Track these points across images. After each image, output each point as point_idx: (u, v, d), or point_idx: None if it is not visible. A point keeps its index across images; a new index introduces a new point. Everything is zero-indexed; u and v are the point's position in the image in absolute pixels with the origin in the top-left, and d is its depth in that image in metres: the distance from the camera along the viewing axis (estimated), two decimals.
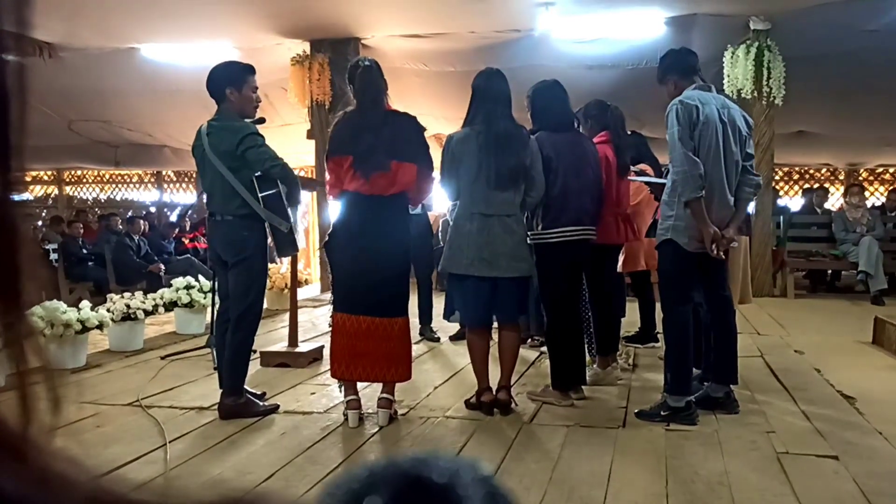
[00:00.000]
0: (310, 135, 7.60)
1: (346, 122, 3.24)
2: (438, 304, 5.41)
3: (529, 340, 4.94)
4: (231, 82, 3.40)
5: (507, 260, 3.31)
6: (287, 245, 3.46)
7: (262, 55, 7.03)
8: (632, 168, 3.97)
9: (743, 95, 6.81)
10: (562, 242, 3.53)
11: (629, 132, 4.54)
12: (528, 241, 3.51)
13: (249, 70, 3.47)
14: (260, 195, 3.34)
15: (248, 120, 3.45)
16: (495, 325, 3.51)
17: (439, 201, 5.37)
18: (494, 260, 3.29)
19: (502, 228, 3.31)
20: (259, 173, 3.35)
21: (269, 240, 3.48)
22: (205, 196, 3.59)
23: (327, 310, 3.94)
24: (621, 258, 4.67)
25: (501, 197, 3.32)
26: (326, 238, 3.40)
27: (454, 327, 5.12)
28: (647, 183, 3.87)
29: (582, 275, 3.87)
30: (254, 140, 3.31)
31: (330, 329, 3.44)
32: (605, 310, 4.08)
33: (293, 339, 4.62)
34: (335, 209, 3.41)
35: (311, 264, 9.30)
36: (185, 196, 13.82)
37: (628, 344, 4.95)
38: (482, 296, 3.34)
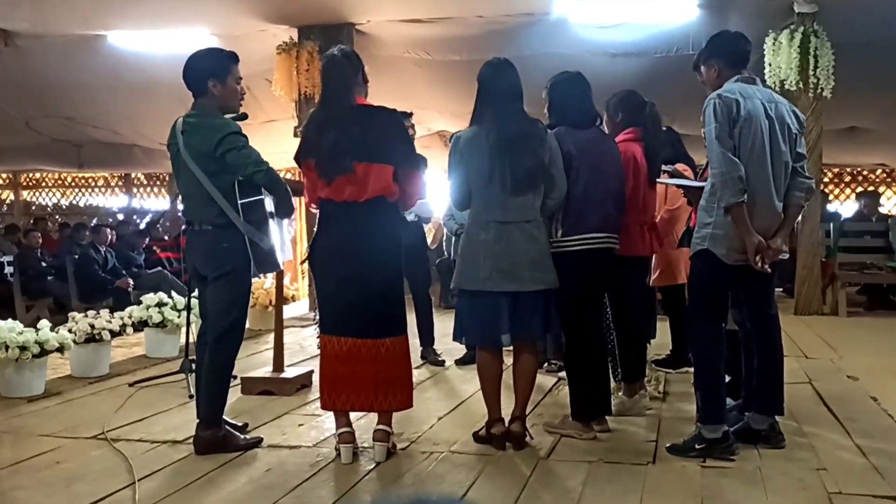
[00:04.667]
0: (297, 133, 7.64)
1: (311, 121, 3.29)
2: (441, 322, 5.46)
3: (546, 365, 4.92)
4: (214, 73, 3.40)
5: (529, 271, 3.32)
6: (265, 261, 3.45)
7: (244, 43, 7.07)
8: (664, 168, 3.96)
9: (787, 87, 6.80)
10: (583, 251, 3.53)
11: (663, 128, 4.53)
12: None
13: (233, 58, 3.48)
14: (240, 202, 3.35)
15: (229, 116, 3.46)
16: (508, 347, 3.50)
17: (438, 209, 5.37)
18: (515, 271, 3.30)
19: (522, 236, 3.33)
20: (241, 178, 3.35)
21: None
22: (180, 202, 3.60)
23: (314, 330, 3.96)
24: (656, 270, 4.66)
25: (519, 201, 3.33)
26: (308, 251, 3.42)
27: (460, 349, 5.11)
28: (680, 186, 3.85)
29: (605, 289, 3.86)
30: (235, 141, 3.31)
31: (318, 352, 3.44)
32: (632, 330, 4.07)
33: (279, 364, 4.62)
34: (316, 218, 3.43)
35: (298, 279, 9.33)
36: (157, 202, 13.89)
37: (658, 368, 4.94)
38: (500, 312, 3.34)
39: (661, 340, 5.06)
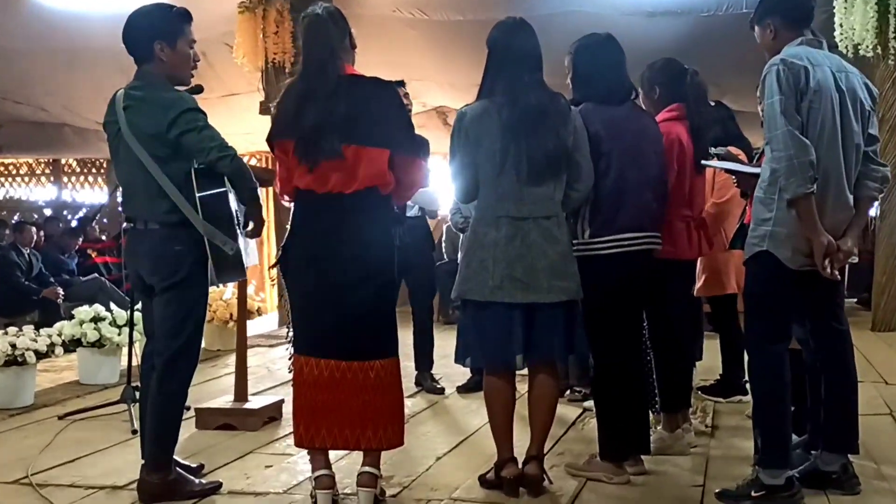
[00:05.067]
0: (264, 108, 7.62)
1: (287, 95, 3.28)
2: (440, 340, 5.46)
3: (568, 392, 4.94)
4: (161, 34, 3.40)
5: (548, 278, 3.32)
6: (229, 268, 3.44)
7: (198, 1, 7.05)
8: (712, 151, 3.96)
9: (861, 53, 6.81)
10: (616, 254, 3.53)
11: (712, 103, 4.55)
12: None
13: (185, 17, 3.48)
14: (199, 196, 3.34)
15: (181, 88, 3.45)
16: (523, 371, 3.50)
17: (445, 202, 5.38)
18: (532, 279, 3.30)
19: (541, 235, 3.33)
20: (200, 165, 3.34)
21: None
22: (120, 194, 3.59)
23: (286, 350, 3.95)
24: (701, 277, 4.67)
25: (537, 193, 3.33)
26: (279, 253, 3.40)
27: (464, 374, 5.11)
28: (730, 172, 3.85)
29: (642, 300, 3.86)
30: (193, 120, 3.31)
31: (290, 376, 3.44)
32: (674, 350, 4.08)
33: (241, 392, 4.63)
34: (290, 213, 3.43)
35: (265, 287, 9.30)
36: (93, 194, 13.87)
37: (706, 397, 4.95)
38: (512, 328, 3.34)
39: (709, 363, 5.07)
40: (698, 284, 4.77)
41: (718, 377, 5.07)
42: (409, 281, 5.30)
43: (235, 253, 3.40)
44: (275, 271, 3.53)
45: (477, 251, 3.36)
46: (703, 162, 3.96)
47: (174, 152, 3.32)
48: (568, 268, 3.37)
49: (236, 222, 3.45)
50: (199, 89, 3.63)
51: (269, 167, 7.88)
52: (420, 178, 3.42)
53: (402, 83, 4.99)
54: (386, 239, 3.31)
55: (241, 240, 3.47)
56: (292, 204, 3.35)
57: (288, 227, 3.42)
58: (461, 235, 4.55)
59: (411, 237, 4.91)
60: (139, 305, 3.88)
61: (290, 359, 3.48)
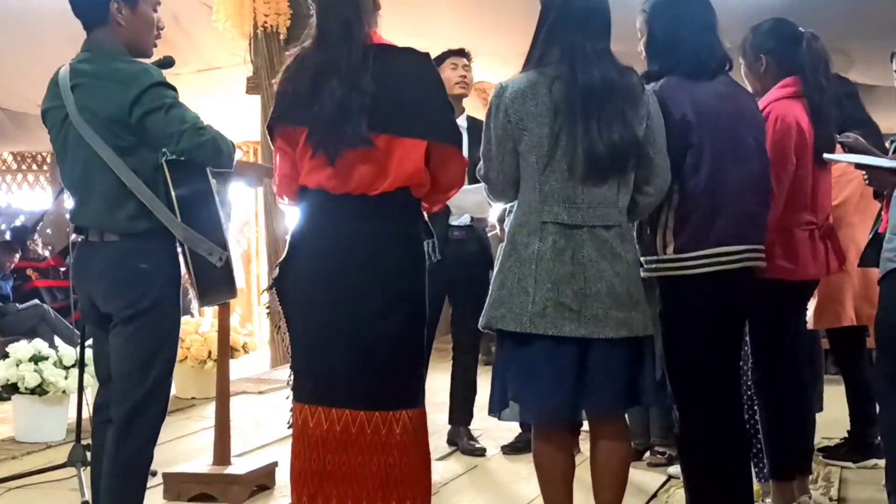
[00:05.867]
0: (252, 86, 7.66)
1: (300, 69, 3.28)
2: (479, 387, 5.43)
3: (648, 454, 4.92)
4: None
5: (607, 307, 3.29)
6: (216, 285, 3.49)
7: None
8: (839, 139, 3.94)
9: None
10: (712, 275, 3.51)
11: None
12: (646, 274, 3.49)
13: None
14: (175, 194, 3.36)
15: (144, 60, 3.48)
16: (584, 424, 3.50)
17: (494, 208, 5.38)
18: (585, 306, 3.28)
19: (597, 249, 3.30)
20: (172, 155, 3.37)
21: (185, 274, 3.50)
22: (68, 197, 3.63)
23: (282, 399, 3.94)
24: (812, 304, 4.64)
25: (595, 194, 3.31)
26: (276, 273, 3.41)
27: (509, 430, 5.10)
28: (862, 167, 3.82)
29: (743, 335, 3.84)
30: (160, 96, 3.32)
31: (289, 432, 3.43)
32: (787, 399, 4.05)
33: (223, 452, 4.63)
34: (292, 220, 3.45)
35: (252, 317, 9.31)
36: (34, 196, 13.97)
37: (830, 461, 4.91)
38: (563, 371, 3.32)
39: (834, 415, 5.05)
40: (810, 314, 4.74)
41: (846, 435, 5.02)
42: (453, 307, 5.40)
43: (225, 264, 3.43)
44: (266, 296, 3.53)
45: (514, 267, 3.32)
46: (825, 156, 3.94)
47: (140, 140, 3.36)
48: (633, 294, 3.33)
49: (225, 227, 3.49)
50: (169, 62, 3.67)
51: (258, 161, 7.92)
52: (461, 177, 3.44)
53: (462, 53, 5.24)
54: (418, 256, 3.34)
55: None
56: (294, 208, 3.37)
57: (287, 238, 3.43)
58: None
59: (455, 253, 4.98)
60: (91, 340, 3.85)
61: (290, 410, 3.46)
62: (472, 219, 5.26)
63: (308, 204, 3.29)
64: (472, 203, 5.02)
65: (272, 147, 3.38)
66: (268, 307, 3.60)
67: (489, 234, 5.68)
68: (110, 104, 3.34)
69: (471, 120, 5.33)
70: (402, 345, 3.29)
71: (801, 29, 4.09)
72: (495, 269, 3.42)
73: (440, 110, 3.31)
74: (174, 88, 3.39)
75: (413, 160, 3.21)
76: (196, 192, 3.42)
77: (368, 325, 3.22)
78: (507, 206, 3.50)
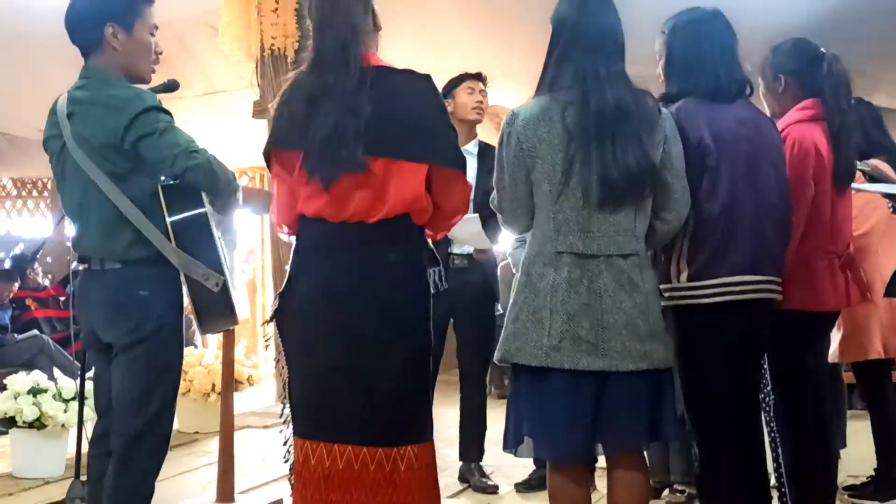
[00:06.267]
0: (259, 110, 7.67)
1: (296, 92, 3.30)
2: (496, 422, 5.38)
3: (667, 492, 4.89)
4: (114, 15, 3.46)
5: (625, 339, 3.26)
6: (215, 310, 3.49)
7: None
8: (859, 166, 3.91)
9: None
10: (726, 304, 3.49)
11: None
12: (664, 302, 3.46)
13: None
14: (170, 221, 3.37)
15: (141, 86, 3.50)
16: (600, 460, 3.48)
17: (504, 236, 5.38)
18: (602, 339, 3.24)
19: (615, 279, 3.27)
20: (167, 180, 3.37)
21: (187, 303, 3.50)
22: (68, 225, 3.62)
23: (284, 434, 3.94)
24: (836, 337, 4.61)
25: (612, 222, 3.29)
26: (276, 303, 3.41)
27: (523, 467, 5.06)
28: (888, 196, 3.79)
29: (761, 368, 3.83)
30: (153, 121, 3.33)
31: (290, 471, 3.42)
32: (809, 435, 4.01)
33: (226, 489, 4.60)
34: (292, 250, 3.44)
35: (258, 348, 9.28)
36: (34, 223, 14.02)
37: (855, 500, 4.88)
38: (580, 406, 3.29)
39: (859, 452, 5.01)
40: (833, 346, 4.72)
41: (872, 473, 4.97)
42: (459, 340, 5.39)
43: (223, 289, 3.44)
44: (270, 327, 3.51)
45: (529, 299, 3.31)
46: (854, 186, 3.90)
47: (135, 166, 3.38)
48: (652, 325, 3.32)
49: (221, 253, 3.49)
50: (173, 86, 3.75)
51: (266, 188, 7.92)
52: (465, 203, 3.43)
53: (479, 77, 5.30)
54: (420, 285, 3.32)
55: (228, 275, 3.52)
56: (293, 238, 3.35)
57: (287, 268, 3.42)
58: None
59: (459, 282, 5.00)
60: (92, 371, 3.90)
61: (288, 444, 3.47)
62: (475, 249, 5.25)
63: (305, 233, 3.29)
64: (469, 233, 5.00)
65: (269, 174, 3.39)
66: (266, 339, 3.59)
67: (501, 263, 5.67)
68: (104, 131, 3.36)
69: (483, 145, 5.38)
70: (405, 377, 3.27)
71: (822, 49, 4.08)
72: (510, 300, 3.41)
73: (441, 133, 3.29)
74: (168, 113, 3.42)
75: (412, 185, 3.20)
76: (191, 218, 3.43)
77: (369, 357, 3.22)
78: (516, 239, 3.49)
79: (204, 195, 3.44)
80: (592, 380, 3.26)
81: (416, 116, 3.23)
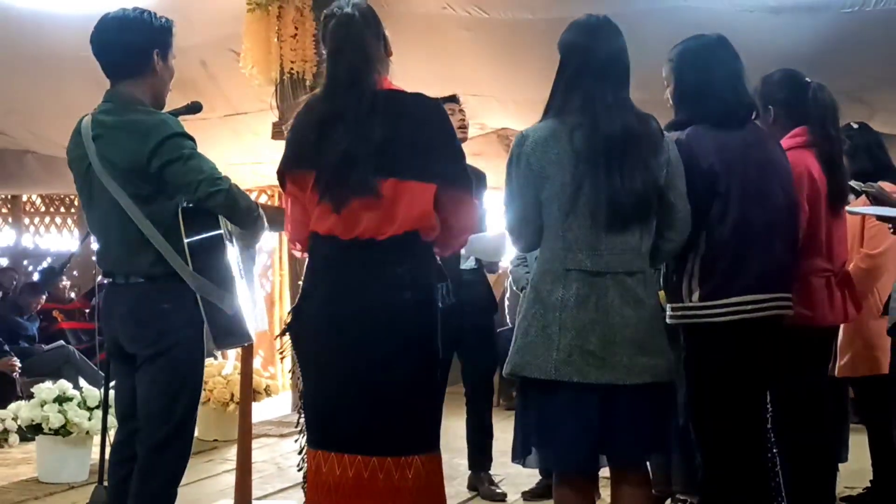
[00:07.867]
0: (278, 131, 7.63)
1: (308, 114, 3.33)
2: (503, 432, 5.38)
3: (669, 502, 4.90)
4: (160, 43, 3.53)
5: (630, 353, 3.29)
6: (227, 334, 3.52)
7: None
8: (858, 187, 3.93)
9: None
10: (736, 323, 3.52)
11: (854, 125, 4.57)
12: (672, 320, 3.50)
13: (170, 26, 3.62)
14: (188, 241, 3.41)
15: (165, 111, 3.56)
16: (604, 471, 3.48)
17: (507, 253, 5.41)
18: (608, 353, 3.28)
19: (621, 296, 3.31)
20: (186, 203, 3.42)
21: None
22: (94, 242, 3.67)
23: (299, 443, 3.96)
24: (845, 352, 4.68)
25: (618, 241, 3.32)
26: (289, 318, 3.44)
27: (531, 476, 5.09)
28: (884, 219, 3.82)
29: (767, 384, 3.83)
30: (178, 147, 3.39)
31: (304, 478, 3.47)
32: (809, 447, 4.02)
33: (244, 495, 4.63)
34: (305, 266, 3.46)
35: (275, 361, 9.27)
36: (61, 239, 14.02)
37: None
38: (586, 418, 3.31)
39: (857, 465, 5.04)
40: (841, 361, 4.74)
41: (869, 484, 4.98)
42: (462, 353, 5.34)
43: (235, 311, 3.48)
44: (285, 340, 3.55)
45: (538, 314, 3.33)
46: (849, 209, 3.93)
47: (158, 189, 3.41)
48: (656, 340, 3.35)
49: (238, 272, 3.52)
50: (197, 107, 3.74)
51: (282, 206, 7.93)
52: (473, 222, 3.45)
53: (454, 98, 5.06)
54: (428, 299, 3.33)
55: (245, 294, 3.54)
56: (306, 255, 3.38)
57: (301, 283, 3.45)
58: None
59: (466, 296, 4.94)
60: (115, 382, 3.89)
61: (303, 454, 3.48)
62: (477, 260, 5.27)
63: (318, 250, 3.32)
64: (484, 247, 5.07)
65: (283, 193, 3.40)
66: (281, 352, 3.62)
67: (507, 280, 5.69)
68: (129, 155, 3.40)
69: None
70: (414, 389, 3.28)
71: (808, 79, 4.12)
72: (518, 315, 3.43)
73: (449, 154, 3.32)
74: (192, 138, 3.46)
75: (421, 204, 3.23)
76: (207, 241, 3.46)
77: (378, 370, 3.23)
78: (517, 257, 3.51)
79: (220, 219, 3.47)
80: (598, 393, 3.28)
81: (425, 138, 3.25)
